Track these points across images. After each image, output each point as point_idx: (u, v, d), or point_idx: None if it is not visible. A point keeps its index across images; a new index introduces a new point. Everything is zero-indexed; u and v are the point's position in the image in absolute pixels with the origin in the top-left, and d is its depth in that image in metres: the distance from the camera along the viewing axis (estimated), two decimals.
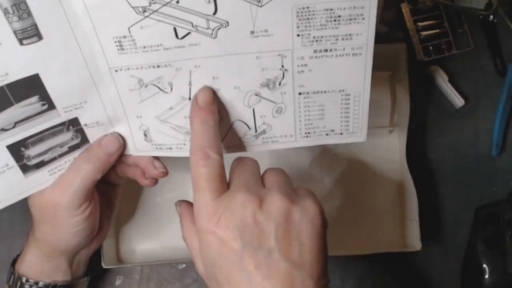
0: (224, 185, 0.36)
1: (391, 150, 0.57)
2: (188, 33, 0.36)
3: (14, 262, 0.47)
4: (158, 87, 0.39)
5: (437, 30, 0.56)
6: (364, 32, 0.36)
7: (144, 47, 0.36)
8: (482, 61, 0.58)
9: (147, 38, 0.36)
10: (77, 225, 0.42)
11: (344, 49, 0.37)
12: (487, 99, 0.58)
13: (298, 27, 0.36)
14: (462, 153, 0.58)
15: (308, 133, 0.41)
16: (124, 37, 0.36)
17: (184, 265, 0.56)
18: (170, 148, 0.42)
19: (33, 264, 0.45)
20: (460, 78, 0.58)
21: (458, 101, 0.57)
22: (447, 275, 0.57)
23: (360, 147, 0.57)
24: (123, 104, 0.40)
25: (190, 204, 0.38)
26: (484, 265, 0.54)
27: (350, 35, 0.36)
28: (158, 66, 0.37)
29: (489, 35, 0.58)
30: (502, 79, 0.58)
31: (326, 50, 0.37)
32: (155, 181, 0.45)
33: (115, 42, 0.36)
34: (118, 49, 0.36)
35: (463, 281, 0.56)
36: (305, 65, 0.38)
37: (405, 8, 0.56)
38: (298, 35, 0.36)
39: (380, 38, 0.56)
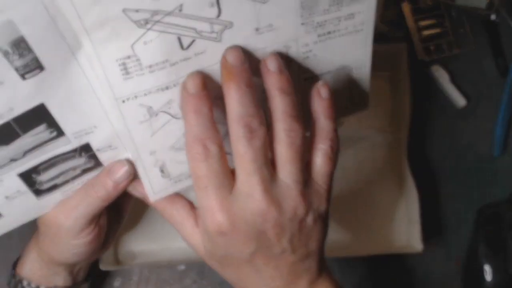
0: (230, 179, 0.33)
1: (391, 150, 0.57)
2: (193, 41, 0.34)
3: (14, 265, 0.47)
4: (169, 114, 0.36)
5: (438, 30, 0.56)
6: (365, 8, 0.36)
7: (150, 66, 0.34)
8: (483, 60, 0.58)
9: (152, 54, 0.34)
10: (78, 247, 0.41)
11: (346, 28, 0.37)
12: (488, 99, 0.58)
13: (302, 16, 0.35)
14: (464, 153, 0.58)
15: None
16: (128, 57, 0.33)
17: (183, 267, 0.56)
18: (190, 176, 0.37)
19: (34, 269, 0.45)
20: (461, 78, 0.58)
21: (459, 101, 0.57)
22: (448, 276, 0.57)
23: (360, 147, 0.56)
24: (135, 142, 0.36)
25: (186, 202, 0.38)
26: (486, 266, 0.53)
27: (352, 14, 0.36)
28: (167, 88, 0.35)
29: (491, 35, 0.57)
30: (504, 79, 0.57)
31: (329, 33, 0.37)
32: None
33: (119, 65, 0.33)
34: (123, 74, 0.34)
35: (464, 282, 0.56)
36: (310, 50, 0.37)
37: (405, 8, 0.56)
38: (302, 24, 0.36)
39: (380, 37, 0.57)
